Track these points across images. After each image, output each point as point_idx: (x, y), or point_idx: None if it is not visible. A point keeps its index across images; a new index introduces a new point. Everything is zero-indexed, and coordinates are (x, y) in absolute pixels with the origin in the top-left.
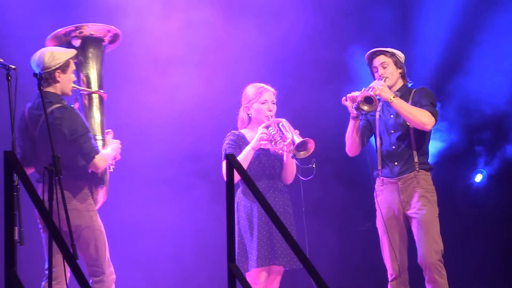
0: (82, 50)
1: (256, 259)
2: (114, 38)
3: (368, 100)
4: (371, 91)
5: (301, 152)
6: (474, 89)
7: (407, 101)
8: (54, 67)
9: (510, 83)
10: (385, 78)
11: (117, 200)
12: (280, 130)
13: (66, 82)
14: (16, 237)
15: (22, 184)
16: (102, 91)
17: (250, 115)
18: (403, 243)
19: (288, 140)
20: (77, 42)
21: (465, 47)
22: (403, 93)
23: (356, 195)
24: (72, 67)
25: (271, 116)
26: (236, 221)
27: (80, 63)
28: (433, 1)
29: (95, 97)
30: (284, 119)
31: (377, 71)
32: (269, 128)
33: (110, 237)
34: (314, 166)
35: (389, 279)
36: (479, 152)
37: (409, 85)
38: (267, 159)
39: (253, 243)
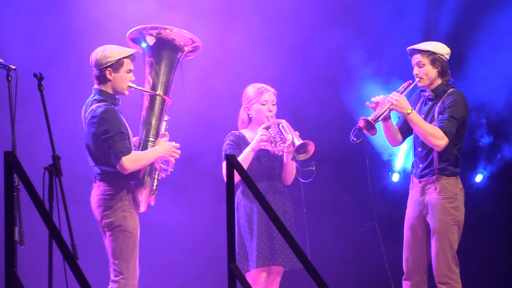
0: (156, 52)
1: (255, 260)
2: (195, 49)
3: (368, 125)
4: (386, 104)
5: (301, 155)
6: (474, 89)
7: (439, 101)
8: (104, 65)
9: (510, 84)
10: (420, 78)
11: None
12: (280, 131)
13: (118, 81)
14: (17, 237)
15: (22, 184)
16: (161, 93)
17: (250, 116)
18: (422, 244)
19: (288, 142)
20: (150, 40)
21: (464, 47)
22: (438, 93)
23: (356, 195)
24: (127, 66)
25: (271, 117)
26: (235, 221)
27: (151, 64)
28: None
29: (156, 100)
30: (284, 120)
31: (126, 71)
32: (269, 130)
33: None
34: (313, 168)
35: (405, 277)
36: (479, 152)
37: (449, 82)
38: (267, 160)
39: (253, 244)
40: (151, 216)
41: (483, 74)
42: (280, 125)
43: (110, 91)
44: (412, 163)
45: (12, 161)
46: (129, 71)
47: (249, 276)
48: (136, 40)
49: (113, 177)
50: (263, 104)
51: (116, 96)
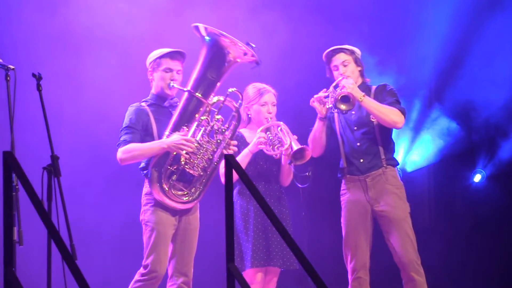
0: (207, 54)
1: (250, 260)
2: (246, 60)
3: (345, 99)
4: (342, 89)
5: (298, 160)
6: (472, 89)
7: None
8: (148, 67)
9: (509, 84)
10: (347, 77)
11: (117, 199)
12: (278, 134)
13: (157, 81)
14: (15, 237)
15: (20, 184)
16: (190, 90)
17: (249, 116)
18: (366, 242)
19: (286, 146)
20: (207, 41)
21: (463, 46)
22: (364, 91)
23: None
24: (165, 65)
25: (271, 118)
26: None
27: (199, 64)
28: (433, 3)
29: (189, 98)
30: (282, 123)
31: (336, 69)
32: (267, 133)
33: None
34: (309, 174)
35: (352, 278)
36: (478, 152)
37: (368, 82)
38: (265, 162)
39: (248, 244)
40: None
41: (482, 74)
42: (279, 128)
43: (154, 91)
44: (344, 163)
45: (11, 161)
46: (168, 70)
47: (246, 276)
48: (198, 33)
49: (142, 174)
50: (262, 105)
51: (168, 96)
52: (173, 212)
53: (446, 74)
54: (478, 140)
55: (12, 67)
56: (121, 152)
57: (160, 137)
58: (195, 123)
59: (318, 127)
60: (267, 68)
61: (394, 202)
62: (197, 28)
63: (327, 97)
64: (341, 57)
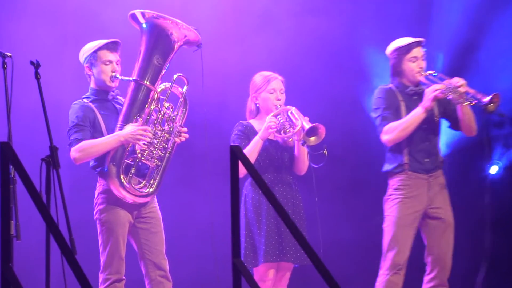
0: (147, 40)
1: (263, 254)
2: (190, 42)
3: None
4: (461, 87)
5: (312, 138)
6: (488, 79)
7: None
8: (83, 63)
9: None
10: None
11: None
12: (289, 118)
13: (97, 75)
14: (13, 231)
15: (18, 176)
16: (136, 78)
17: (258, 105)
18: (412, 241)
19: (297, 127)
20: (146, 27)
21: (479, 37)
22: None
23: (372, 187)
24: (104, 57)
25: (280, 105)
26: (243, 214)
27: (140, 52)
28: None
29: (137, 88)
30: (293, 107)
31: (413, 61)
32: (278, 117)
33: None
34: (325, 152)
35: (392, 272)
36: (494, 143)
37: None
38: (276, 151)
39: (261, 238)
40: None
41: (498, 65)
42: (289, 112)
43: (94, 86)
44: (409, 157)
45: (8, 152)
46: (108, 62)
47: (257, 272)
48: (136, 21)
49: (95, 172)
50: (271, 93)
51: (110, 89)
52: (130, 209)
53: (462, 62)
54: (495, 130)
55: (9, 54)
56: (75, 151)
57: (109, 133)
58: (146, 112)
59: (420, 117)
60: (279, 57)
61: (448, 206)
62: (134, 16)
63: (445, 90)
64: (421, 51)
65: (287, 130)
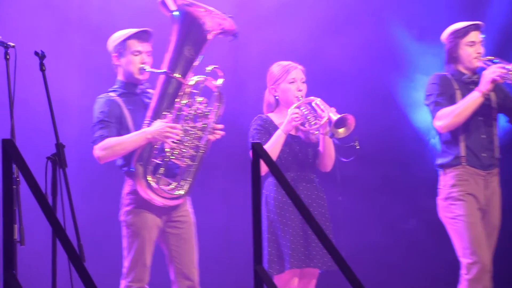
0: (179, 30)
1: (289, 260)
2: (225, 32)
3: None
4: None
5: (340, 130)
6: None
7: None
8: (111, 52)
9: None
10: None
11: None
12: (314, 109)
13: (125, 66)
14: (16, 236)
15: (22, 176)
16: (166, 71)
17: (277, 97)
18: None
19: (324, 119)
20: (177, 15)
21: None
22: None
23: (400, 186)
24: (133, 48)
25: (301, 97)
26: (264, 216)
27: (172, 43)
28: None
29: (168, 81)
30: (318, 98)
31: (471, 46)
32: (301, 108)
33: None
34: (356, 144)
35: (475, 273)
36: None
37: None
38: (300, 147)
39: (286, 242)
40: None
41: None
42: (313, 103)
43: (121, 78)
44: (466, 150)
45: (10, 150)
46: (137, 52)
47: (279, 279)
48: (166, 8)
49: (122, 171)
50: (291, 83)
51: (139, 82)
52: (159, 212)
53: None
54: None
55: (12, 44)
56: (99, 149)
57: (136, 129)
58: (177, 108)
59: (477, 101)
60: (296, 45)
61: (499, 208)
62: (164, 2)
63: (506, 75)
64: (479, 35)
65: (312, 123)
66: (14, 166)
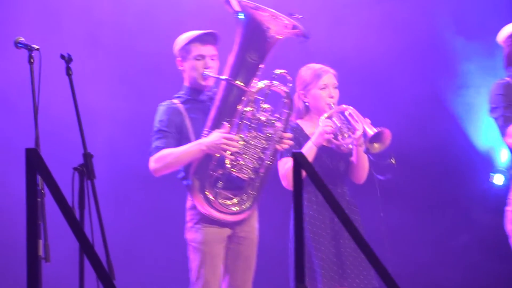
0: (243, 34)
1: (321, 280)
2: (292, 33)
3: None
4: None
5: (375, 145)
6: None
7: None
8: (177, 56)
9: None
10: None
11: (162, 208)
12: (347, 120)
13: (189, 71)
14: (41, 252)
15: (47, 188)
16: (227, 78)
17: (307, 104)
18: None
19: (358, 132)
20: (241, 18)
21: None
22: None
23: (448, 201)
24: (196, 52)
25: (333, 104)
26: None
27: (234, 46)
28: None
29: (229, 88)
30: (351, 107)
31: None
32: (333, 119)
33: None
34: (393, 161)
35: None
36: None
37: None
38: (331, 160)
39: (318, 260)
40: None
41: None
42: (347, 113)
43: (187, 84)
44: None
45: (35, 160)
46: (200, 57)
47: None
48: (230, 7)
49: (183, 185)
50: (322, 89)
51: (204, 88)
52: (223, 225)
53: None
54: None
55: (36, 47)
56: (153, 161)
57: (198, 139)
58: (238, 117)
59: None
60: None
61: None
62: (228, 2)
63: None
64: None
65: (345, 135)
66: (38, 177)
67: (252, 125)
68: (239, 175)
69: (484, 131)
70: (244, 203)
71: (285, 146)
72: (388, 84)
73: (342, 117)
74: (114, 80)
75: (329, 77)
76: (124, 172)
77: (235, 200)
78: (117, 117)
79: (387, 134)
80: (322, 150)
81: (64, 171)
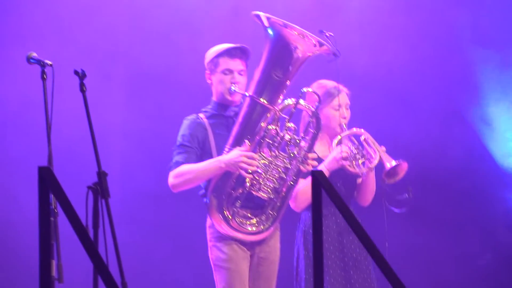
0: (270, 50)
1: None
2: (321, 50)
3: None
4: None
5: (390, 178)
6: None
7: None
8: (206, 69)
9: None
10: None
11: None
12: (362, 145)
13: (215, 85)
14: (54, 272)
15: (60, 207)
16: (251, 94)
17: None
18: None
19: (375, 162)
20: (270, 34)
21: None
22: None
23: (471, 221)
24: (224, 66)
25: (345, 124)
26: (303, 255)
27: (261, 61)
28: None
29: (253, 105)
30: (366, 132)
31: None
32: (348, 144)
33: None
34: (410, 195)
35: None
36: None
37: None
38: (342, 181)
39: (326, 284)
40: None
41: None
42: (362, 137)
43: (214, 98)
44: None
45: (48, 178)
46: (228, 71)
47: None
48: (260, 22)
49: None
50: (336, 110)
51: (231, 103)
52: (243, 243)
53: None
54: None
55: (49, 62)
56: (172, 177)
57: (220, 155)
58: (261, 135)
59: None
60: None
61: None
62: (258, 17)
63: None
64: None
65: (360, 161)
66: (51, 196)
67: (275, 143)
68: (258, 195)
69: (507, 148)
70: (263, 224)
71: (309, 168)
72: (407, 100)
73: (356, 141)
74: (129, 97)
75: (343, 96)
76: (139, 190)
77: (253, 221)
78: (132, 135)
79: (404, 167)
80: (334, 172)
81: (78, 190)
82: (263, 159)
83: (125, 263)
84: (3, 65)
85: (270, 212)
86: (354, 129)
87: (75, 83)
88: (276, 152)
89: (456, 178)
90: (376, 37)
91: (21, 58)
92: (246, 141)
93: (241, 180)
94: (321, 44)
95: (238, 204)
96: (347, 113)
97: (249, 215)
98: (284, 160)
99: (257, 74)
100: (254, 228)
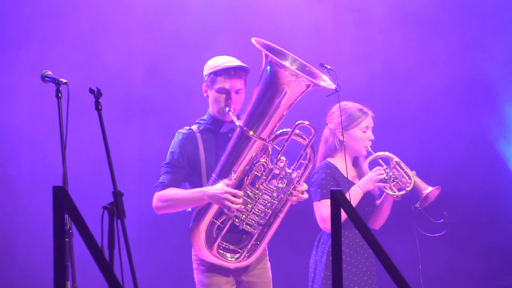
0: (264, 82)
1: None
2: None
3: None
4: None
5: (423, 203)
6: None
7: None
8: (204, 79)
9: None
10: None
11: None
12: (396, 168)
13: (211, 101)
14: None
15: (75, 227)
16: (241, 125)
17: (343, 142)
18: None
19: (410, 186)
20: (265, 65)
21: None
22: None
23: (492, 241)
24: (219, 84)
25: (370, 147)
26: (322, 276)
27: (258, 93)
28: None
29: (237, 132)
30: (396, 157)
31: None
32: (385, 167)
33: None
34: (445, 221)
35: None
36: None
37: None
38: (367, 201)
39: None
40: None
41: None
42: (394, 161)
43: (210, 111)
44: None
45: (63, 198)
46: (222, 90)
47: None
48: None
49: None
50: (363, 132)
51: (225, 121)
52: (228, 268)
53: None
54: None
55: (64, 81)
56: (156, 199)
57: (209, 175)
58: (249, 167)
59: None
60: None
61: None
62: (255, 45)
63: None
64: None
65: (392, 184)
66: (66, 216)
67: (263, 177)
68: (242, 227)
69: None
70: (249, 252)
71: (294, 200)
72: (429, 122)
73: (384, 164)
74: (145, 116)
75: (370, 119)
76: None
77: (236, 253)
78: (148, 154)
79: (437, 192)
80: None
81: (93, 210)
82: (249, 193)
83: (140, 284)
84: (17, 84)
85: (255, 242)
86: (387, 153)
87: (90, 101)
88: (264, 185)
89: (474, 198)
90: (400, 59)
91: (36, 77)
92: (233, 174)
93: (223, 211)
94: (315, 85)
95: (215, 235)
96: (372, 136)
97: (231, 247)
98: (272, 194)
99: (250, 104)
100: (236, 257)
